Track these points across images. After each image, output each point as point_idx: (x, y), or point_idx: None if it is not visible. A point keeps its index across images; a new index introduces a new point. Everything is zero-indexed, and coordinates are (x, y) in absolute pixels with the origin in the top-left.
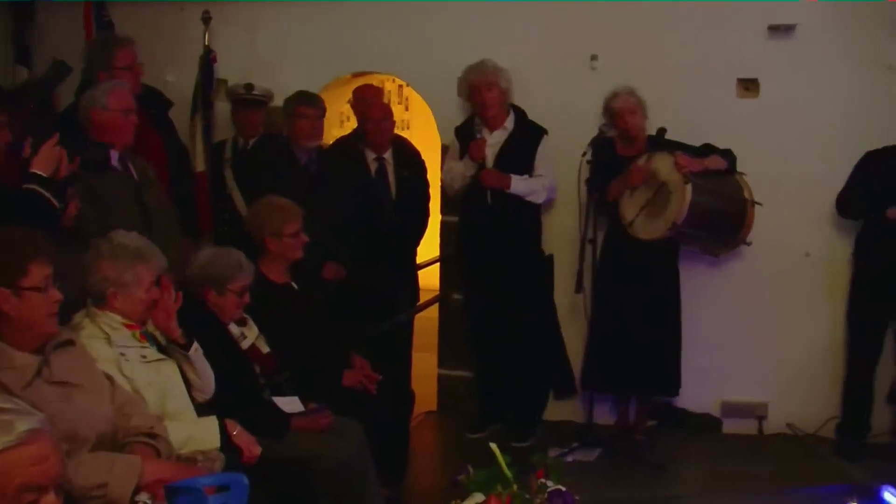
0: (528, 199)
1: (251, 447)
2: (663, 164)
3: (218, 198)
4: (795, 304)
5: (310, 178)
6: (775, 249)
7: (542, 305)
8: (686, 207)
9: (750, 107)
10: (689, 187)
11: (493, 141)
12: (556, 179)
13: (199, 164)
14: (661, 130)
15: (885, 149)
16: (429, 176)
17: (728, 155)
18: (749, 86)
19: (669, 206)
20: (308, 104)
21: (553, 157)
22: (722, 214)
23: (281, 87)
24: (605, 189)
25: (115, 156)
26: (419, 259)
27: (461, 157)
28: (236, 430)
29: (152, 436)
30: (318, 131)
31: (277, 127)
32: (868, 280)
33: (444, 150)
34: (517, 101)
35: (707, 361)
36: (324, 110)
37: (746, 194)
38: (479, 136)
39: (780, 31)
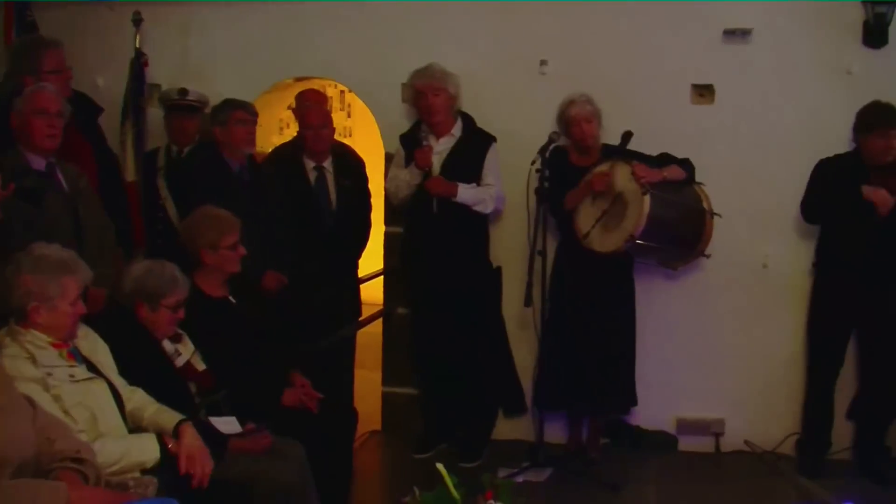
0: (475, 208)
1: (202, 466)
2: (620, 175)
3: (151, 209)
4: (754, 317)
5: (243, 187)
6: (733, 261)
7: (490, 320)
8: (644, 219)
9: (705, 113)
10: (647, 198)
11: (440, 148)
12: (505, 188)
13: (130, 174)
14: (627, 134)
15: (837, 156)
16: (371, 185)
17: (686, 164)
18: (704, 92)
19: (626, 218)
20: (245, 109)
21: (501, 165)
22: (680, 226)
23: (217, 92)
24: (560, 200)
25: (35, 160)
26: (362, 272)
27: (406, 165)
28: (186, 438)
29: (79, 461)
30: (254, 137)
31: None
32: (828, 291)
33: (388, 158)
34: (465, 108)
35: (662, 377)
36: (257, 115)
37: (705, 205)
38: (425, 143)
39: (735, 35)
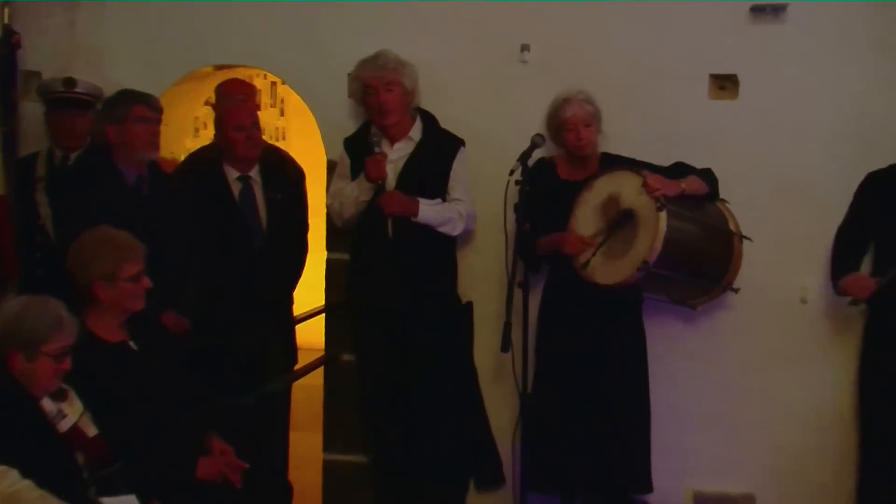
0: (440, 230)
1: None
2: (628, 187)
3: (27, 230)
4: (790, 365)
5: (140, 203)
6: (764, 295)
7: (458, 369)
8: (660, 241)
9: (726, 111)
10: (663, 215)
11: (396, 155)
12: (477, 204)
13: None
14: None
15: (893, 168)
16: (310, 200)
17: (708, 176)
18: (725, 84)
19: (637, 241)
20: (146, 104)
21: (472, 175)
22: (703, 252)
23: (113, 83)
24: (536, 235)
25: None
26: (297, 309)
27: (353, 176)
28: None
29: None
30: (158, 139)
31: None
32: (885, 332)
33: (331, 167)
34: (426, 105)
35: (675, 439)
36: (162, 112)
37: (732, 226)
38: (376, 149)
39: (765, 13)
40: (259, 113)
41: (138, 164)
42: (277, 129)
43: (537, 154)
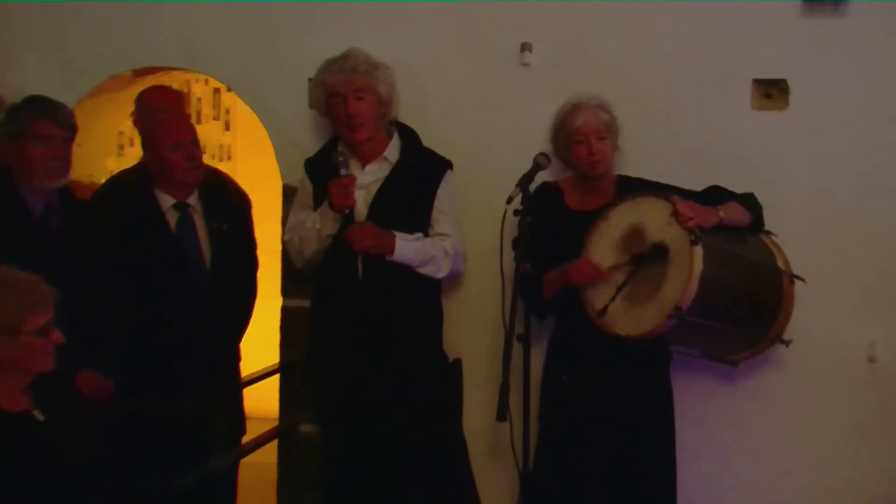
0: (421, 271)
1: None
2: (654, 216)
3: None
4: (855, 437)
5: (49, 237)
6: (822, 350)
7: (443, 442)
8: (695, 283)
9: (773, 124)
10: (698, 251)
11: (368, 179)
12: (468, 240)
13: None
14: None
15: None
16: (261, 234)
17: (751, 203)
18: (771, 91)
19: (667, 282)
20: (51, 119)
21: (462, 204)
22: (747, 295)
23: (14, 88)
24: (539, 276)
25: None
26: (246, 368)
27: (316, 205)
28: None
29: None
30: (65, 163)
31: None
32: None
33: (288, 194)
34: (406, 118)
35: None
36: (74, 129)
37: (781, 264)
38: (343, 171)
39: (821, 5)
40: (199, 127)
41: (46, 192)
42: (221, 146)
43: (541, 178)
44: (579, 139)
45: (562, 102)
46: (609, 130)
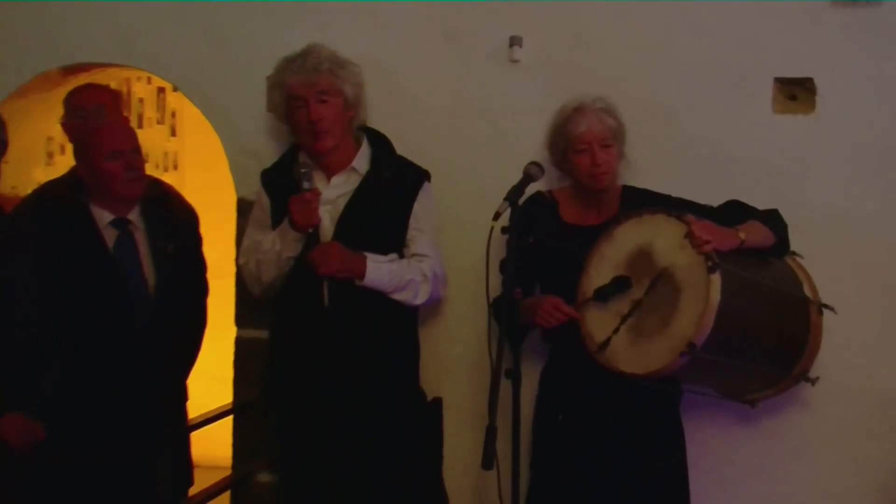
0: (395, 297)
1: None
2: (664, 237)
3: None
4: (890, 489)
5: None
6: (853, 389)
7: (420, 492)
8: (712, 315)
9: (798, 129)
10: (715, 279)
11: (334, 193)
12: (449, 262)
13: None
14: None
15: None
16: (211, 254)
17: (774, 222)
18: (796, 92)
19: (678, 314)
20: None
21: (442, 220)
22: (770, 328)
23: None
24: (534, 290)
25: None
26: (194, 409)
27: (275, 223)
28: None
29: None
30: None
31: None
32: None
33: (243, 208)
34: (377, 122)
35: None
36: (4, 145)
37: (808, 291)
38: (306, 185)
39: None
40: (140, 132)
41: None
42: (166, 154)
43: (533, 188)
44: (581, 147)
45: (557, 105)
46: (615, 138)
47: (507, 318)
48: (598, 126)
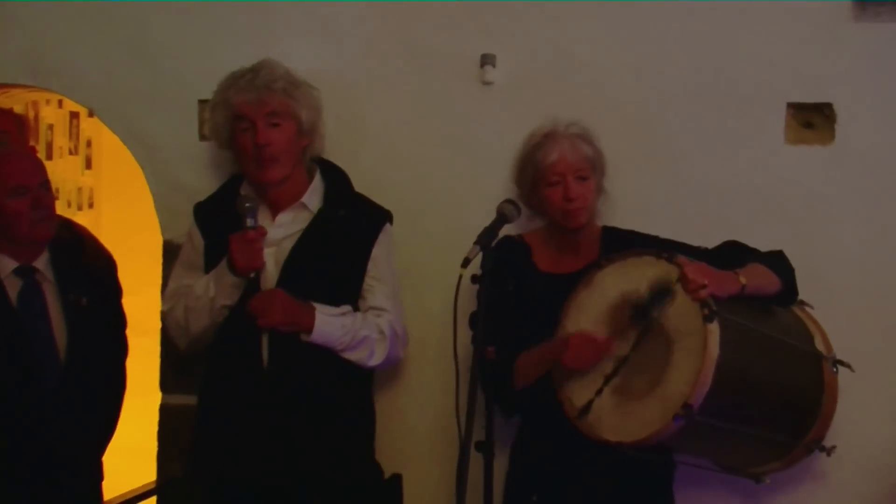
0: (348, 357)
1: None
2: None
3: None
4: None
5: None
6: (873, 462)
7: None
8: (709, 373)
9: (815, 162)
10: (713, 329)
11: (280, 233)
12: (411, 316)
13: None
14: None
15: None
16: (133, 307)
17: (779, 265)
18: (813, 119)
19: (671, 371)
20: None
21: (405, 266)
22: (776, 387)
23: None
24: (507, 360)
25: None
26: (111, 487)
27: (208, 266)
28: None
29: None
30: None
31: None
32: None
33: (171, 252)
34: (332, 154)
35: None
36: None
37: (820, 345)
38: (250, 221)
39: (879, 7)
40: (49, 164)
41: None
42: (80, 190)
43: (505, 232)
44: (553, 179)
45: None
46: (593, 168)
47: (485, 379)
48: (572, 154)
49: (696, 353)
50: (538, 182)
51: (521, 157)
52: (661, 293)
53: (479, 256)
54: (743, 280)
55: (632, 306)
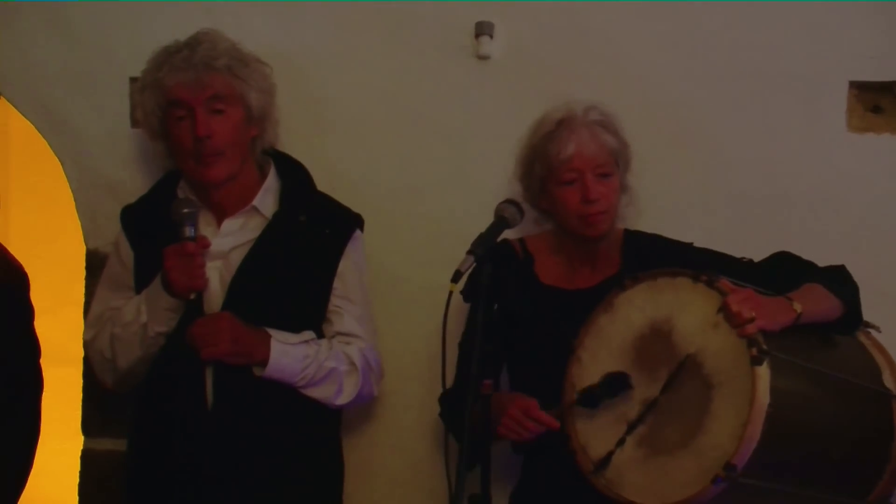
0: (311, 394)
1: None
2: (688, 311)
3: None
4: None
5: None
6: None
7: None
8: (759, 425)
9: (882, 154)
10: (763, 372)
11: (227, 244)
12: (387, 340)
13: None
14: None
15: None
16: (49, 333)
17: (840, 284)
18: (881, 101)
19: (710, 422)
20: None
21: (378, 285)
22: (837, 438)
23: None
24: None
25: None
26: None
27: (139, 286)
28: None
29: None
30: None
31: None
32: None
33: (96, 265)
34: (290, 146)
35: None
36: None
37: (889, 381)
38: (189, 230)
39: None
40: None
41: None
42: None
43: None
44: (568, 178)
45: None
46: (617, 163)
47: (469, 422)
48: (592, 146)
49: (741, 400)
50: (549, 180)
51: (528, 148)
52: (615, 386)
53: (471, 268)
54: (798, 308)
55: (579, 391)
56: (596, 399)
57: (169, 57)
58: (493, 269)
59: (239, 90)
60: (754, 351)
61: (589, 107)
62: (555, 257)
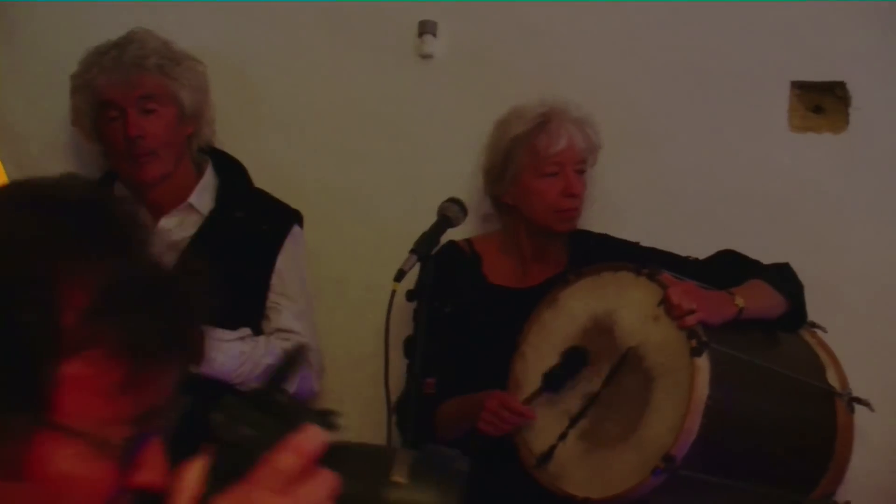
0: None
1: None
2: (630, 304)
3: None
4: None
5: None
6: None
7: None
8: (697, 417)
9: (824, 153)
10: (702, 364)
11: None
12: (329, 339)
13: None
14: None
15: None
16: None
17: (784, 280)
18: (822, 101)
19: (650, 414)
20: None
21: (317, 283)
22: (778, 433)
23: None
24: (452, 381)
25: None
26: None
27: None
28: None
29: None
30: None
31: None
32: None
33: None
34: (227, 143)
35: None
36: None
37: (833, 379)
38: None
39: None
40: None
41: None
42: None
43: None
44: (550, 170)
45: (484, 119)
46: (586, 158)
47: (413, 426)
48: (581, 142)
49: (680, 393)
50: (527, 170)
51: (506, 140)
52: (575, 361)
53: (417, 267)
54: (740, 302)
55: (543, 375)
56: (560, 380)
57: (99, 57)
58: (437, 269)
59: (170, 89)
60: (694, 343)
61: (567, 103)
62: (503, 256)
